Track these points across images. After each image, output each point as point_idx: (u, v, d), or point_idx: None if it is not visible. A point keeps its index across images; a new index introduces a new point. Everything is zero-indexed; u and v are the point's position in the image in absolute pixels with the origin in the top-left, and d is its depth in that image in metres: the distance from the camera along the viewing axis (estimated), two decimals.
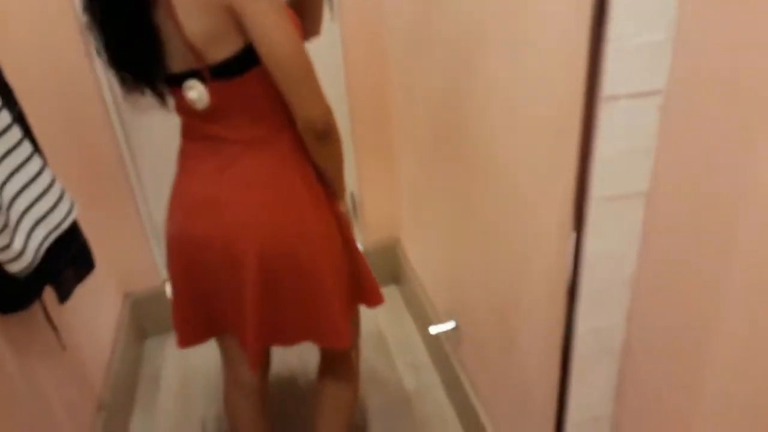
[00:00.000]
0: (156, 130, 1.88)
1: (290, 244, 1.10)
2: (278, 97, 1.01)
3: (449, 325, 1.66)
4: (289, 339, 1.23)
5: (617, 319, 0.86)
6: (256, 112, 1.05)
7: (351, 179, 2.08)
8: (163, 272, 2.11)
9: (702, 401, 0.77)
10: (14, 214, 0.97)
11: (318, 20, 1.25)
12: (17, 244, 0.97)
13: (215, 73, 0.99)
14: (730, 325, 0.70)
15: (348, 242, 1.23)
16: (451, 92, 1.37)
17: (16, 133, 0.98)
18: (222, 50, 0.97)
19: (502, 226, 1.22)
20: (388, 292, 2.25)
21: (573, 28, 0.78)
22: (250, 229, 1.08)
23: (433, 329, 1.70)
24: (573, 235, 0.79)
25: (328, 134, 1.04)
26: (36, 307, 1.28)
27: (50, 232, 1.07)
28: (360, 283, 1.28)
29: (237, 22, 0.94)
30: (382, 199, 2.15)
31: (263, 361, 1.32)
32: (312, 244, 1.12)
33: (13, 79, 1.13)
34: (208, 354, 2.03)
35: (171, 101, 1.10)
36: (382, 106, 1.99)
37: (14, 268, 0.99)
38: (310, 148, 1.08)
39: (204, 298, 1.18)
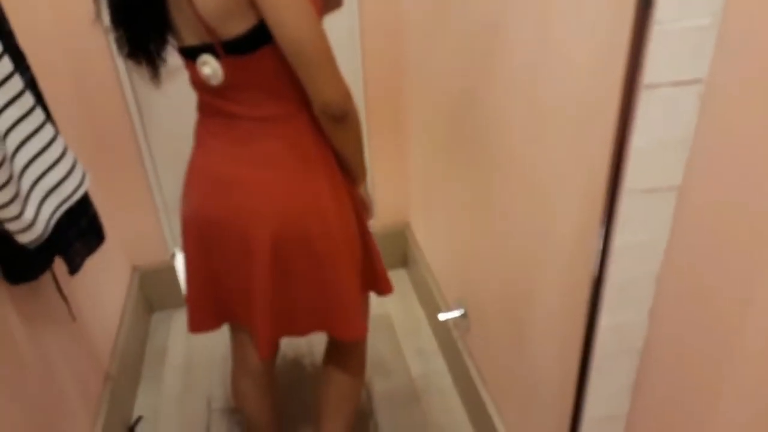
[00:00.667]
0: (169, 104, 1.84)
1: (304, 228, 1.06)
2: (294, 75, 0.97)
3: (458, 312, 1.64)
4: (301, 329, 1.20)
5: (641, 316, 0.83)
6: (271, 90, 1.01)
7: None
8: (172, 246, 2.10)
9: (720, 403, 0.75)
10: (26, 184, 0.95)
11: None
12: (28, 214, 0.95)
13: (229, 49, 0.95)
14: (756, 325, 0.67)
15: (363, 228, 1.20)
16: (470, 75, 1.33)
17: (28, 99, 0.95)
18: (235, 26, 0.93)
19: (519, 215, 1.19)
20: (397, 275, 2.23)
21: (613, 10, 0.74)
22: (264, 212, 1.05)
23: (442, 316, 1.68)
24: (602, 227, 0.76)
25: (344, 119, 1.00)
26: (46, 278, 1.26)
27: (62, 203, 1.05)
28: (372, 271, 1.26)
29: None
30: (392, 181, 2.12)
31: (273, 350, 1.30)
32: (327, 230, 1.08)
33: (25, 44, 1.11)
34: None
35: (166, 74, 1.07)
36: (397, 88, 1.95)
37: (25, 238, 0.97)
38: (327, 132, 1.04)
39: (216, 281, 1.16)
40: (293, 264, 1.09)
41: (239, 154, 1.05)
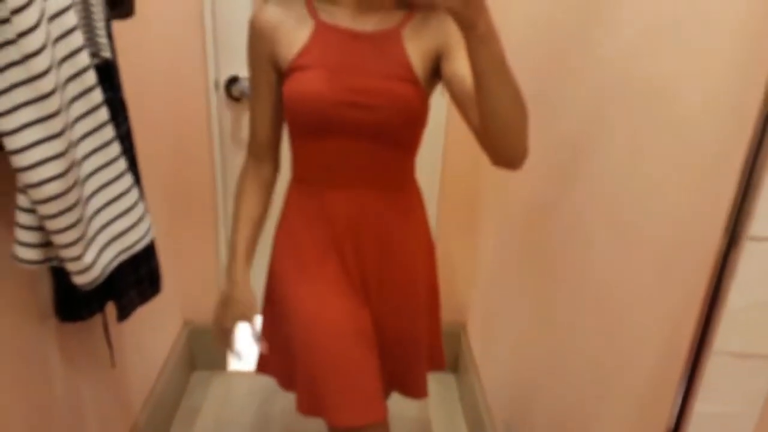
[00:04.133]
0: None
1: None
2: None
3: None
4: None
5: None
6: None
7: None
8: None
9: None
10: (93, 228, 0.96)
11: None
12: (89, 257, 0.96)
13: None
14: None
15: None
16: (550, 186, 1.28)
17: (114, 148, 0.98)
18: None
19: (587, 344, 1.08)
20: (445, 379, 2.10)
21: (721, 148, 0.68)
22: None
23: None
24: (682, 387, 0.65)
25: None
26: (95, 320, 1.26)
27: (122, 252, 1.05)
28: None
29: None
30: (457, 279, 2.04)
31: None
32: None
33: (132, 95, 1.17)
34: (251, 397, 1.97)
35: None
36: (474, 187, 1.92)
37: (80, 280, 0.97)
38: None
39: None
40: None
41: None
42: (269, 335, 1.19)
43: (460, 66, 0.96)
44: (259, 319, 1.18)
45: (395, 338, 1.17)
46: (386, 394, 1.25)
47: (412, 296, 1.18)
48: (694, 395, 0.64)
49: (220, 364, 2.11)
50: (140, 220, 1.07)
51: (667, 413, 0.70)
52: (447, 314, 2.06)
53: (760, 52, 0.60)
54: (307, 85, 1.01)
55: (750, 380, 0.66)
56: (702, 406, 0.65)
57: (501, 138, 0.89)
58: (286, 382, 1.20)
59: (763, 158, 0.54)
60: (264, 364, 1.23)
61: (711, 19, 0.74)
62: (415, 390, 1.25)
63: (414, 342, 1.20)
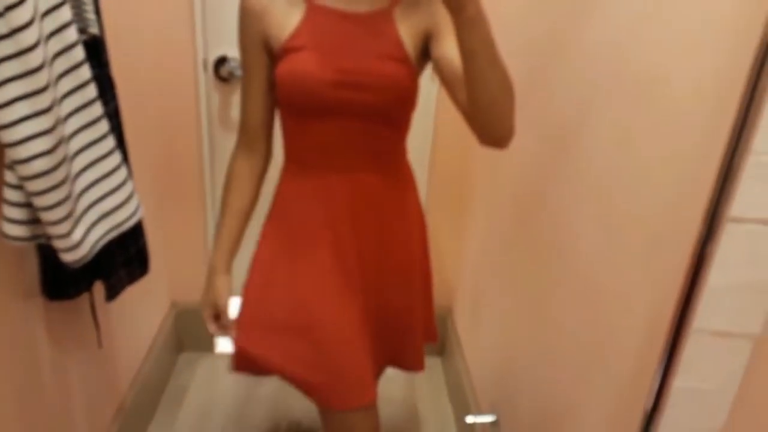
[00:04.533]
0: None
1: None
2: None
3: (489, 417, 1.52)
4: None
5: None
6: None
7: None
8: None
9: None
10: (81, 205, 0.96)
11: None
12: (77, 234, 0.95)
13: None
14: None
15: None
16: (540, 174, 1.29)
17: (103, 126, 0.97)
18: None
19: (573, 330, 1.10)
20: (431, 363, 2.12)
21: (704, 131, 0.69)
22: None
23: (470, 418, 1.56)
24: (662, 365, 0.67)
25: None
26: (82, 300, 1.26)
27: (111, 230, 1.05)
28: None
29: None
30: (443, 261, 2.05)
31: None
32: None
33: (120, 73, 1.16)
34: (238, 379, 1.98)
35: None
36: (464, 167, 1.93)
37: (69, 257, 0.97)
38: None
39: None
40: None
41: None
42: (252, 320, 1.15)
43: (448, 47, 0.97)
44: (234, 308, 1.17)
45: (393, 315, 1.20)
46: (381, 370, 1.27)
47: (409, 273, 1.20)
48: (674, 372, 0.66)
49: (208, 345, 2.12)
50: (129, 198, 1.06)
51: (648, 392, 0.72)
52: (435, 298, 2.10)
53: (746, 40, 0.61)
54: (300, 65, 1.00)
55: (729, 358, 0.68)
56: (680, 382, 0.67)
57: (488, 118, 0.91)
58: (273, 365, 1.18)
59: (744, 140, 0.56)
60: (240, 361, 1.17)
61: (700, 8, 0.75)
62: (413, 363, 1.27)
63: (411, 317, 1.23)
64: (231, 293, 1.17)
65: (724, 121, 0.62)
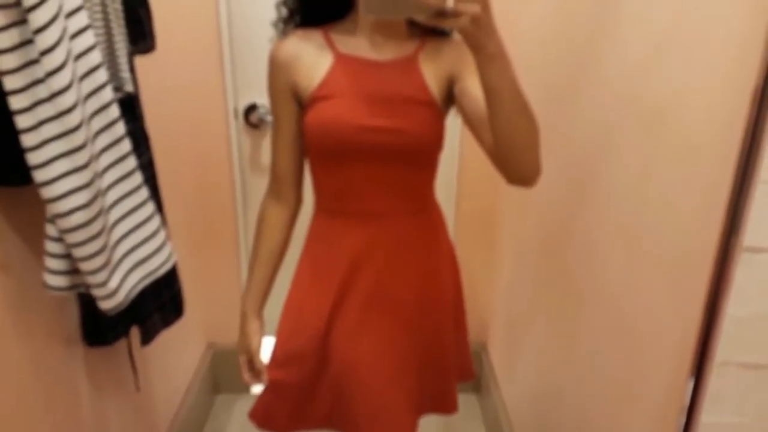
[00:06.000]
0: None
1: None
2: None
3: None
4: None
5: None
6: None
7: None
8: None
9: None
10: (117, 254, 1.01)
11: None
12: (113, 283, 1.00)
13: None
14: None
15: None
16: (566, 206, 1.29)
17: (137, 178, 1.03)
18: None
19: (603, 364, 1.08)
20: (468, 401, 2.09)
21: (716, 163, 0.70)
22: None
23: None
24: (687, 399, 0.66)
25: None
26: (120, 345, 1.31)
27: (145, 276, 1.10)
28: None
29: None
30: (475, 296, 2.05)
31: None
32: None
33: (155, 124, 1.22)
34: None
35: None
36: (491, 203, 1.94)
37: (106, 305, 1.02)
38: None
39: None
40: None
41: None
42: (285, 369, 1.17)
43: (471, 88, 0.99)
44: (265, 356, 1.19)
45: (429, 358, 1.19)
46: (420, 415, 1.25)
47: (443, 314, 1.20)
48: (700, 406, 0.65)
49: (245, 387, 2.12)
50: (162, 245, 1.11)
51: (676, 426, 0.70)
52: (469, 334, 2.08)
53: (754, 71, 0.63)
54: (330, 111, 1.03)
55: (761, 390, 0.66)
56: (710, 416, 0.66)
57: (514, 156, 0.91)
58: (302, 419, 1.20)
59: (751, 169, 0.56)
60: (266, 417, 1.22)
61: (711, 41, 0.76)
62: (448, 405, 1.26)
63: (445, 359, 1.22)
64: (263, 336, 1.20)
65: (734, 149, 0.62)
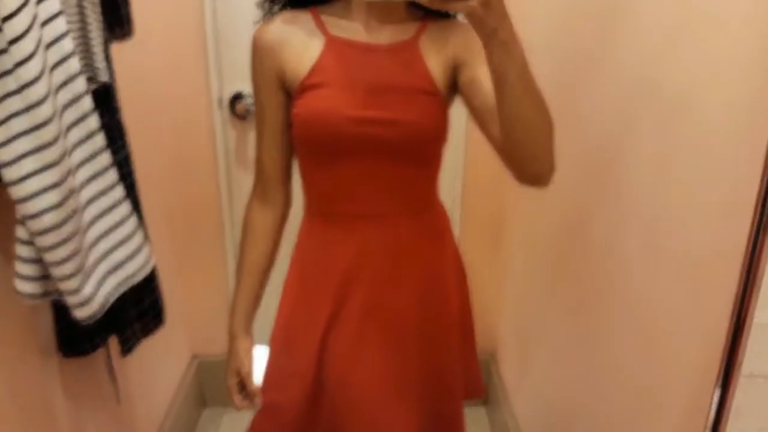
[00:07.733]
0: None
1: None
2: None
3: None
4: None
5: None
6: None
7: None
8: None
9: None
10: (91, 258, 1.01)
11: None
12: (88, 289, 1.00)
13: None
14: None
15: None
16: (581, 200, 1.29)
17: (111, 176, 1.03)
18: None
19: (623, 372, 1.08)
20: (476, 414, 2.10)
21: (743, 156, 0.69)
22: None
23: None
24: (713, 413, 0.66)
25: None
26: (99, 355, 1.31)
27: (122, 282, 1.10)
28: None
29: None
30: (482, 302, 2.03)
31: None
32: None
33: (134, 116, 1.21)
34: None
35: None
36: (497, 204, 1.94)
37: (80, 314, 1.02)
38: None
39: None
40: None
41: None
42: (279, 391, 1.14)
43: (479, 77, 0.96)
44: (257, 375, 1.16)
45: (433, 378, 1.16)
46: None
47: (447, 327, 1.16)
48: (725, 418, 0.65)
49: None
50: (139, 249, 1.11)
51: None
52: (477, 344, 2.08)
53: None
54: (321, 102, 0.99)
55: None
56: (734, 428, 0.66)
57: (525, 152, 0.88)
58: None
59: None
60: None
61: (731, 23, 0.76)
62: (453, 426, 1.23)
63: (451, 377, 1.19)
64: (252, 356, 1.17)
65: (761, 141, 0.62)
